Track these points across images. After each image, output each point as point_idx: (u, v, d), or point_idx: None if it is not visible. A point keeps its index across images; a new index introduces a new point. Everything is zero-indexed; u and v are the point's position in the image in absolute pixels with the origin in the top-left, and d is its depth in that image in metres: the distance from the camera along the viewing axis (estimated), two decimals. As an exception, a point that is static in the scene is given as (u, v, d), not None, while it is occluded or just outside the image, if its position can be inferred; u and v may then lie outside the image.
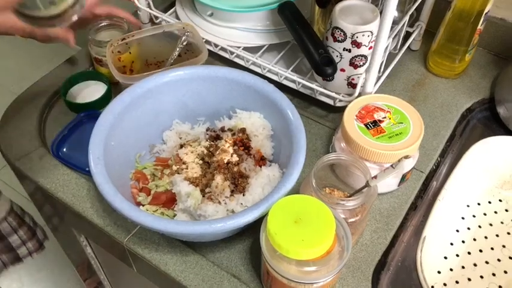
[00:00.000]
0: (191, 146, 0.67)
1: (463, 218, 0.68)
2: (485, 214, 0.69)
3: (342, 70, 0.70)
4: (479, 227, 0.68)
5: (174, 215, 0.61)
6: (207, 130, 0.69)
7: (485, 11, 0.71)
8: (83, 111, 0.74)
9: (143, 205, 0.62)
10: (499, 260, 0.64)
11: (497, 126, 0.76)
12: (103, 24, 0.79)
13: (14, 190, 1.60)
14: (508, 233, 0.67)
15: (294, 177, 0.55)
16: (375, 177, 0.54)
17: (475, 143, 0.72)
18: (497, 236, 0.67)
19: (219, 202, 0.59)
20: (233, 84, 0.65)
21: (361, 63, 0.69)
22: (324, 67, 0.67)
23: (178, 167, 0.64)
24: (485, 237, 0.67)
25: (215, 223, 0.51)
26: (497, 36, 0.82)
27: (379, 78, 0.72)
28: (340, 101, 0.72)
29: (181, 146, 0.67)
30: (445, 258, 0.65)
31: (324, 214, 0.49)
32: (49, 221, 0.98)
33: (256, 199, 0.58)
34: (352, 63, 0.69)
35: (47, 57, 2.10)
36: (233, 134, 0.66)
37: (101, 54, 0.76)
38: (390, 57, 0.76)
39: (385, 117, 0.63)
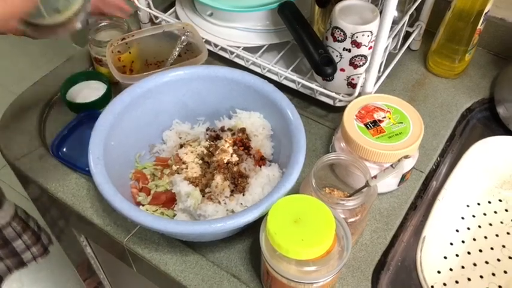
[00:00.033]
0: (191, 145, 0.67)
1: (462, 218, 0.69)
2: (485, 214, 0.69)
3: (342, 70, 0.70)
4: (479, 227, 0.68)
5: (174, 215, 0.61)
6: (206, 130, 0.69)
7: (485, 10, 0.71)
8: (83, 111, 0.74)
9: (143, 205, 0.62)
10: (498, 259, 0.64)
11: (496, 126, 0.76)
12: (103, 24, 0.79)
13: (14, 190, 1.60)
14: (508, 233, 0.67)
15: (294, 177, 0.55)
16: (375, 177, 0.54)
17: (475, 142, 0.72)
18: (497, 235, 0.67)
19: (219, 202, 0.59)
20: (233, 84, 0.65)
21: (361, 63, 0.69)
22: (324, 67, 0.67)
23: (178, 166, 0.64)
24: (485, 237, 0.67)
25: (215, 223, 0.51)
26: (497, 36, 0.82)
27: (379, 78, 0.72)
28: (340, 100, 0.72)
29: (181, 146, 0.67)
30: (445, 258, 0.65)
31: (324, 214, 0.49)
32: (49, 221, 0.98)
33: (256, 199, 0.58)
34: (352, 63, 0.69)
35: (47, 57, 2.10)
36: (233, 134, 0.66)
37: (100, 54, 0.76)
38: (390, 57, 0.76)
39: (384, 117, 0.63)
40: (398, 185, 0.65)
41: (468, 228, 0.68)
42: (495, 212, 0.69)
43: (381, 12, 0.60)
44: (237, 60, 0.79)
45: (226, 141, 0.64)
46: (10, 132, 0.73)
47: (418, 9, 0.79)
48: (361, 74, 0.67)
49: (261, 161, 0.64)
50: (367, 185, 0.54)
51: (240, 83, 0.65)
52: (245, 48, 0.78)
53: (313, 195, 0.53)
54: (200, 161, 0.64)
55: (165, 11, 0.86)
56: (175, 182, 0.61)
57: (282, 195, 0.53)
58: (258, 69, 0.77)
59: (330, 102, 0.73)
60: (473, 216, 0.69)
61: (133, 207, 0.53)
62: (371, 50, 0.66)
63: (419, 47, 0.85)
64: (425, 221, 0.66)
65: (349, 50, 0.67)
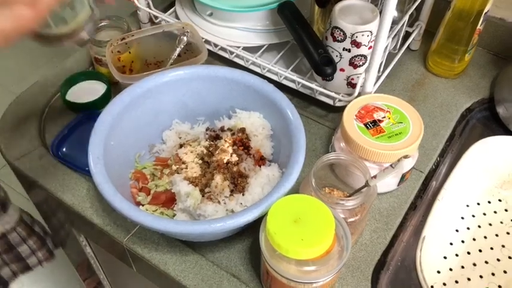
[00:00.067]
0: (191, 145, 0.67)
1: (462, 218, 0.69)
2: (484, 214, 0.69)
3: (342, 70, 0.70)
4: (479, 226, 0.68)
5: (174, 215, 0.61)
6: (206, 130, 0.69)
7: (485, 10, 0.72)
8: (82, 111, 0.74)
9: (143, 205, 0.62)
10: (498, 259, 0.64)
11: (496, 126, 0.76)
12: (103, 24, 0.79)
13: (14, 190, 1.60)
14: (508, 233, 0.67)
15: (294, 177, 0.55)
16: (375, 177, 0.54)
17: (475, 142, 0.72)
18: (496, 235, 0.67)
19: (219, 202, 0.59)
20: (233, 84, 0.65)
21: (361, 63, 0.69)
22: (324, 67, 0.67)
23: (177, 166, 0.64)
24: (485, 237, 0.67)
25: (215, 223, 0.51)
26: (497, 36, 0.82)
27: (378, 78, 0.72)
28: (340, 100, 0.72)
29: (181, 146, 0.67)
30: (445, 258, 0.65)
31: (324, 214, 0.49)
32: (48, 220, 0.98)
33: (255, 199, 0.58)
34: (352, 63, 0.69)
35: (47, 57, 2.10)
36: (233, 134, 0.66)
37: (100, 54, 0.76)
38: (390, 57, 0.76)
39: (384, 117, 0.63)
40: (398, 185, 0.65)
41: (468, 228, 0.68)
42: (495, 212, 0.69)
43: (380, 12, 0.60)
44: (236, 60, 0.79)
45: (226, 141, 0.64)
46: (10, 132, 0.73)
47: (418, 9, 0.79)
48: (360, 74, 0.67)
49: (260, 160, 0.64)
50: (366, 184, 0.54)
51: (239, 83, 0.65)
52: (245, 48, 0.78)
53: (313, 195, 0.53)
54: (200, 161, 0.64)
55: (164, 10, 0.86)
56: (175, 181, 0.61)
57: (282, 195, 0.53)
58: (257, 69, 0.77)
59: (330, 102, 0.73)
60: (473, 216, 0.69)
61: (133, 207, 0.53)
62: (371, 50, 0.66)
63: (419, 47, 0.85)
64: (425, 220, 0.66)
65: (349, 50, 0.67)
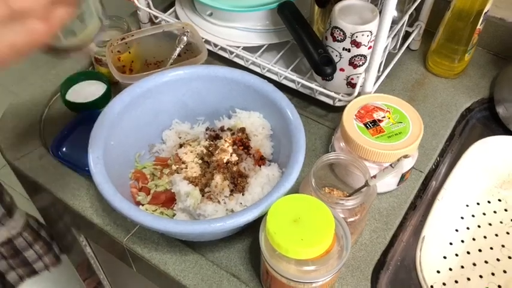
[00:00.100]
0: (190, 145, 0.67)
1: (462, 218, 0.69)
2: (484, 214, 0.69)
3: (341, 70, 0.70)
4: (479, 226, 0.68)
5: (174, 215, 0.61)
6: (206, 130, 0.69)
7: (485, 10, 0.72)
8: (82, 111, 0.74)
9: (142, 204, 0.63)
10: (498, 259, 0.64)
11: (496, 126, 0.76)
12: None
13: (14, 190, 1.60)
14: (507, 233, 0.67)
15: (294, 176, 0.55)
16: (374, 176, 0.54)
17: (474, 142, 0.72)
18: (496, 235, 0.67)
19: (219, 201, 0.59)
20: (233, 83, 0.65)
21: (361, 63, 0.69)
22: (324, 67, 0.67)
23: (177, 166, 0.64)
24: (485, 237, 0.67)
25: (214, 222, 0.51)
26: (497, 36, 0.82)
27: (378, 77, 0.72)
28: (340, 100, 0.72)
29: (181, 146, 0.67)
30: (444, 257, 0.65)
31: (323, 213, 0.49)
32: (48, 220, 0.98)
33: (255, 198, 0.58)
34: (352, 63, 0.69)
35: (47, 57, 2.10)
36: (232, 134, 0.66)
37: (100, 54, 0.76)
38: (389, 57, 0.76)
39: (384, 117, 0.63)
40: (398, 185, 0.65)
41: (467, 228, 0.68)
42: (494, 212, 0.69)
43: (380, 12, 0.60)
44: (236, 60, 0.79)
45: (225, 140, 0.64)
46: (10, 132, 0.73)
47: (418, 9, 0.79)
48: (360, 73, 0.67)
49: (260, 160, 0.64)
50: (366, 184, 0.54)
51: (239, 83, 0.65)
52: (245, 48, 0.78)
53: (312, 194, 0.53)
54: (200, 161, 0.64)
55: (164, 10, 0.86)
56: (175, 181, 0.61)
57: (282, 195, 0.53)
58: (257, 69, 0.77)
59: (330, 102, 0.73)
60: (473, 216, 0.69)
61: (133, 207, 0.53)
62: (370, 49, 0.66)
63: (419, 47, 0.85)
64: (424, 220, 0.66)
65: (349, 50, 0.67)
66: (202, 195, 0.60)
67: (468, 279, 0.63)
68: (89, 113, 0.73)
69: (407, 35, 0.81)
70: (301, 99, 0.77)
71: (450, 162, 0.72)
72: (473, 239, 0.67)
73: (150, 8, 0.84)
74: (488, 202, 0.70)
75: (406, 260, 0.62)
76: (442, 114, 0.76)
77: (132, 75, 0.69)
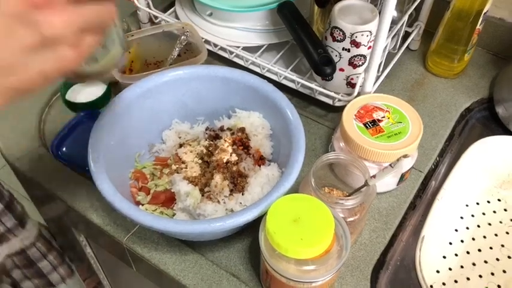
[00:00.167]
0: (190, 145, 0.67)
1: (461, 218, 0.69)
2: (484, 214, 0.69)
3: (341, 70, 0.70)
4: (478, 226, 0.68)
5: (173, 214, 0.61)
6: (206, 129, 0.69)
7: (484, 10, 0.72)
8: (82, 111, 0.74)
9: (142, 204, 0.63)
10: (497, 259, 0.65)
11: (496, 126, 0.76)
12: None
13: (14, 190, 1.60)
14: (507, 233, 0.67)
15: (293, 176, 0.55)
16: (374, 176, 0.54)
17: (474, 142, 0.72)
18: (496, 235, 0.67)
19: (218, 201, 0.59)
20: (232, 83, 0.65)
21: (360, 63, 0.69)
22: (323, 67, 0.67)
23: (177, 166, 0.64)
24: (484, 237, 0.67)
25: (214, 222, 0.51)
26: (496, 36, 0.82)
27: (378, 77, 0.73)
28: (339, 100, 0.72)
29: (181, 146, 0.67)
30: (444, 257, 0.65)
31: (323, 213, 0.49)
32: (49, 221, 0.98)
33: (255, 198, 0.58)
34: (351, 63, 0.69)
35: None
36: (232, 134, 0.66)
37: (100, 54, 0.76)
38: (389, 57, 0.76)
39: (384, 117, 0.63)
40: (398, 185, 0.65)
41: (467, 228, 0.68)
42: (494, 212, 0.69)
43: (380, 12, 0.60)
44: (236, 60, 0.79)
45: (225, 140, 0.64)
46: (10, 132, 0.73)
47: (417, 9, 0.80)
48: (360, 73, 0.68)
49: (260, 160, 0.64)
50: (366, 184, 0.54)
51: (239, 83, 0.65)
52: (244, 48, 0.78)
53: (312, 194, 0.53)
54: (199, 161, 0.64)
55: (164, 10, 0.86)
56: (175, 181, 0.61)
57: (281, 195, 0.53)
58: (257, 69, 0.77)
59: (329, 102, 0.73)
60: (472, 215, 0.69)
61: (132, 207, 0.53)
62: (370, 49, 0.66)
63: (419, 47, 0.85)
64: (424, 220, 0.66)
65: (349, 50, 0.67)
66: (202, 195, 0.60)
67: (468, 279, 0.63)
68: (89, 113, 0.73)
69: (406, 35, 0.81)
70: (301, 99, 0.77)
71: (450, 162, 0.72)
72: (473, 239, 0.67)
73: (150, 8, 0.84)
74: (488, 202, 0.70)
75: (405, 259, 0.62)
76: (442, 114, 0.76)
77: (132, 75, 0.69)
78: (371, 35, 0.66)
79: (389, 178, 0.60)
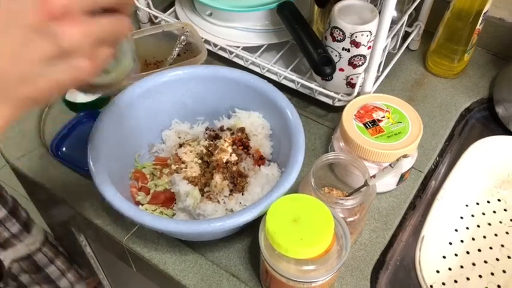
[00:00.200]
0: (190, 145, 0.67)
1: (461, 218, 0.69)
2: (483, 214, 0.69)
3: (341, 70, 0.70)
4: (478, 226, 0.68)
5: (173, 214, 0.61)
6: (206, 129, 0.69)
7: (484, 10, 0.72)
8: (82, 111, 0.74)
9: (142, 204, 0.63)
10: (497, 259, 0.65)
11: (495, 126, 0.76)
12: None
13: (14, 190, 1.60)
14: (507, 233, 0.67)
15: (293, 176, 0.55)
16: (374, 176, 0.54)
17: (474, 142, 0.72)
18: (495, 235, 0.67)
19: (218, 201, 0.59)
20: (232, 83, 0.65)
21: (360, 63, 0.69)
22: (323, 67, 0.67)
23: (177, 166, 0.64)
24: (484, 237, 0.67)
25: (214, 222, 0.51)
26: (496, 36, 0.83)
27: (378, 77, 0.73)
28: (339, 100, 0.72)
29: (181, 146, 0.67)
30: (444, 257, 0.65)
31: (323, 213, 0.49)
32: (49, 220, 0.98)
33: (255, 198, 0.58)
34: (351, 63, 0.69)
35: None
36: (232, 134, 0.66)
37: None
38: (389, 57, 0.76)
39: (383, 117, 0.63)
40: (397, 185, 0.66)
41: (467, 228, 0.68)
42: (494, 212, 0.69)
43: (380, 12, 0.60)
44: (236, 60, 0.79)
45: (225, 140, 0.64)
46: (10, 132, 0.73)
47: (417, 9, 0.80)
48: (360, 73, 0.68)
49: (260, 160, 0.64)
50: (366, 184, 0.54)
51: (239, 83, 0.65)
52: (244, 48, 0.78)
53: (312, 194, 0.53)
54: (199, 161, 0.64)
55: (164, 10, 0.86)
56: (175, 181, 0.61)
57: (281, 195, 0.53)
58: (257, 69, 0.77)
59: (329, 101, 0.73)
60: (472, 215, 0.69)
61: (132, 207, 0.53)
62: (370, 49, 0.66)
63: (419, 47, 0.85)
64: (424, 220, 0.66)
65: (348, 50, 0.67)
66: (202, 195, 0.60)
67: (467, 279, 0.63)
68: (88, 113, 0.74)
69: (406, 35, 0.81)
70: (300, 99, 0.77)
71: (449, 162, 0.72)
72: (473, 239, 0.67)
73: (149, 8, 0.84)
74: (488, 202, 0.70)
75: (405, 259, 0.63)
76: (442, 114, 0.76)
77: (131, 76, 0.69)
78: (371, 35, 0.66)
79: (389, 178, 0.60)
